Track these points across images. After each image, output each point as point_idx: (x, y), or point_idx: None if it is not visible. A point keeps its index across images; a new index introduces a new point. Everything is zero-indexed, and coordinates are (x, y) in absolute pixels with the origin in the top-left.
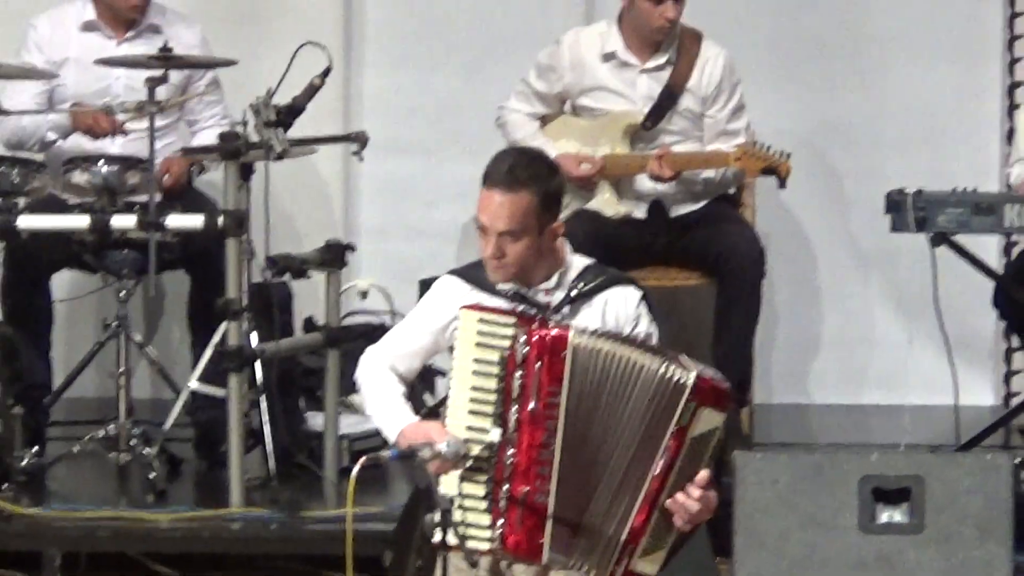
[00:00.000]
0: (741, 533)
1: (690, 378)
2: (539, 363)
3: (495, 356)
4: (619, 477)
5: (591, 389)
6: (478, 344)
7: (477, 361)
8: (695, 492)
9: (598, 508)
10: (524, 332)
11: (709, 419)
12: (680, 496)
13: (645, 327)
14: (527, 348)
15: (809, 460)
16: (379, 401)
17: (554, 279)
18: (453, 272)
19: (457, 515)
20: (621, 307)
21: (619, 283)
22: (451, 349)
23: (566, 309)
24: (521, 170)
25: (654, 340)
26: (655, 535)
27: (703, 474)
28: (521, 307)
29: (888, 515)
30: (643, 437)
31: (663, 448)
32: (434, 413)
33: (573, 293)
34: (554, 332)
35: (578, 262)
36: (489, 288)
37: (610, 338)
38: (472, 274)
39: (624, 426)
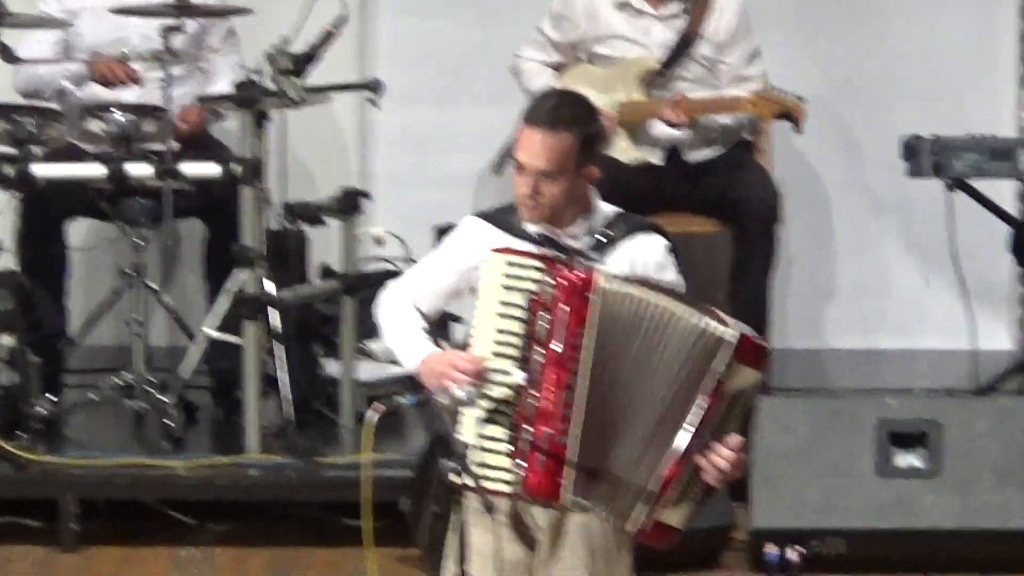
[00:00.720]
0: (758, 478)
1: (734, 334)
2: (565, 306)
3: (521, 299)
4: (651, 427)
5: (621, 333)
6: (505, 287)
7: (504, 304)
8: (725, 452)
9: (624, 455)
10: (551, 274)
11: (747, 377)
12: (712, 455)
13: (672, 277)
14: (554, 290)
15: (826, 405)
16: (399, 332)
17: (583, 224)
18: (479, 214)
19: (477, 457)
20: (648, 255)
21: (647, 230)
22: (473, 292)
23: (594, 255)
24: (564, 110)
25: (682, 290)
26: (683, 488)
27: (736, 438)
28: (551, 251)
29: (905, 459)
30: (680, 389)
31: (699, 402)
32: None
33: (602, 239)
34: (581, 274)
35: (606, 209)
36: (516, 231)
37: (640, 284)
38: (499, 217)
39: (659, 376)
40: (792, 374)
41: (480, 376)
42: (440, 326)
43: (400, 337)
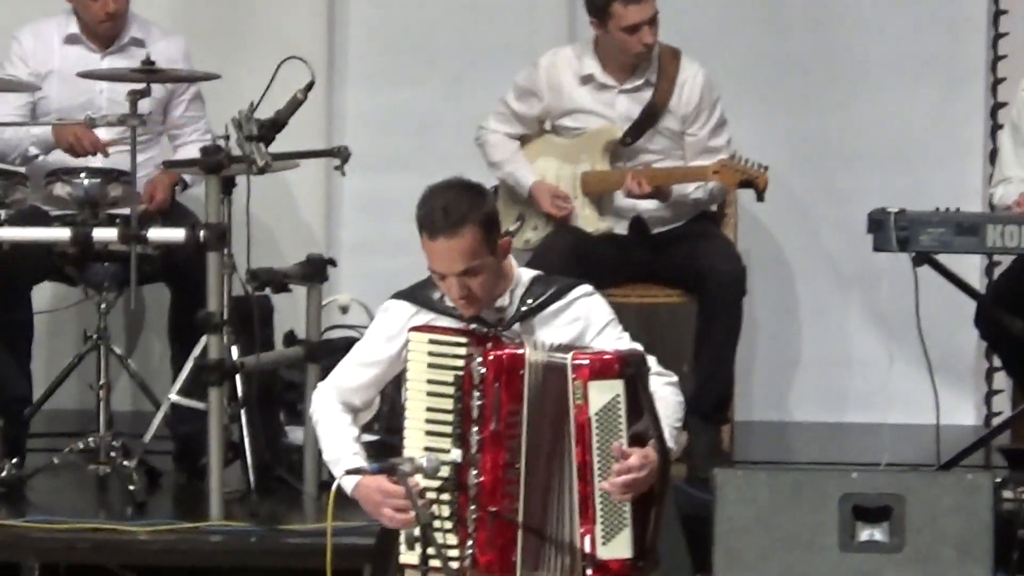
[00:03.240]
0: (721, 550)
1: (567, 357)
2: (497, 383)
3: (449, 376)
4: (556, 477)
5: (547, 400)
6: (431, 365)
7: (431, 382)
8: (613, 467)
9: (552, 515)
10: (479, 352)
11: (604, 390)
12: (604, 484)
13: (605, 317)
14: (484, 369)
15: (789, 478)
16: (332, 448)
17: (505, 296)
18: (398, 295)
19: (424, 536)
20: (578, 308)
21: (568, 289)
22: (404, 371)
23: (517, 326)
24: (454, 210)
25: (613, 325)
26: (606, 518)
27: (615, 445)
28: (473, 325)
29: (868, 534)
30: (554, 431)
31: (572, 433)
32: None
33: (523, 308)
34: (510, 351)
35: (526, 275)
36: (437, 307)
37: (565, 351)
38: (418, 294)
39: (553, 428)
40: (756, 446)
41: (414, 501)
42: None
43: (333, 453)
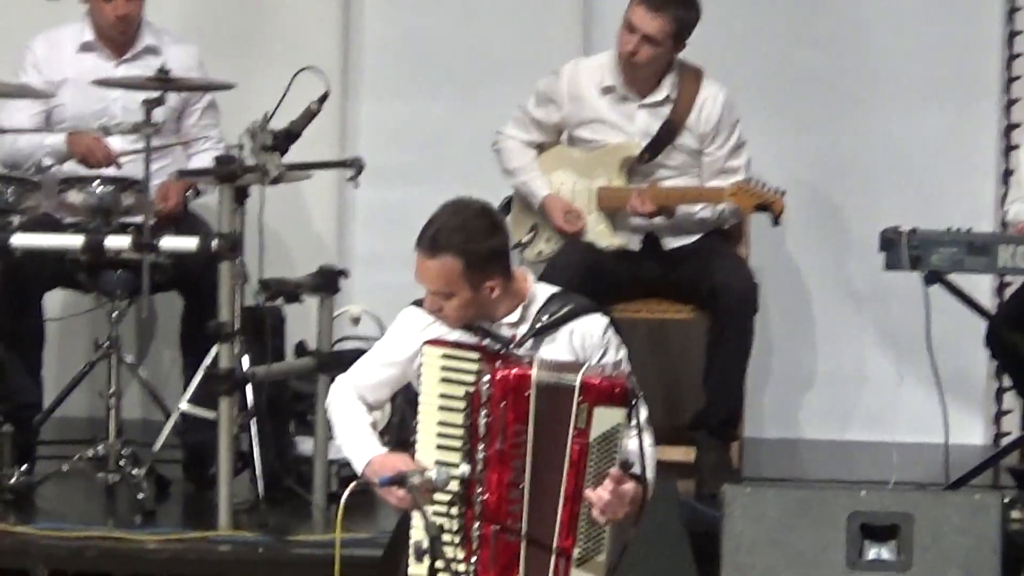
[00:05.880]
0: (728, 567)
1: (576, 380)
2: (503, 402)
3: (460, 391)
4: (553, 496)
5: (553, 420)
6: (443, 379)
7: (443, 396)
8: (607, 485)
9: (551, 534)
10: (488, 370)
11: (607, 417)
12: (595, 495)
13: (613, 354)
14: (491, 388)
15: (798, 496)
16: (347, 432)
17: (517, 312)
18: (417, 303)
19: (432, 551)
20: (588, 336)
21: (584, 312)
22: (419, 378)
23: (529, 343)
24: (445, 235)
25: (623, 365)
26: (585, 541)
27: (613, 469)
28: (486, 340)
29: (876, 552)
30: (557, 449)
31: (568, 454)
32: (405, 445)
33: (537, 326)
34: (516, 371)
35: (542, 292)
36: None
37: (573, 370)
38: None
39: (551, 448)
40: (765, 463)
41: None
42: (415, 405)
43: (348, 438)
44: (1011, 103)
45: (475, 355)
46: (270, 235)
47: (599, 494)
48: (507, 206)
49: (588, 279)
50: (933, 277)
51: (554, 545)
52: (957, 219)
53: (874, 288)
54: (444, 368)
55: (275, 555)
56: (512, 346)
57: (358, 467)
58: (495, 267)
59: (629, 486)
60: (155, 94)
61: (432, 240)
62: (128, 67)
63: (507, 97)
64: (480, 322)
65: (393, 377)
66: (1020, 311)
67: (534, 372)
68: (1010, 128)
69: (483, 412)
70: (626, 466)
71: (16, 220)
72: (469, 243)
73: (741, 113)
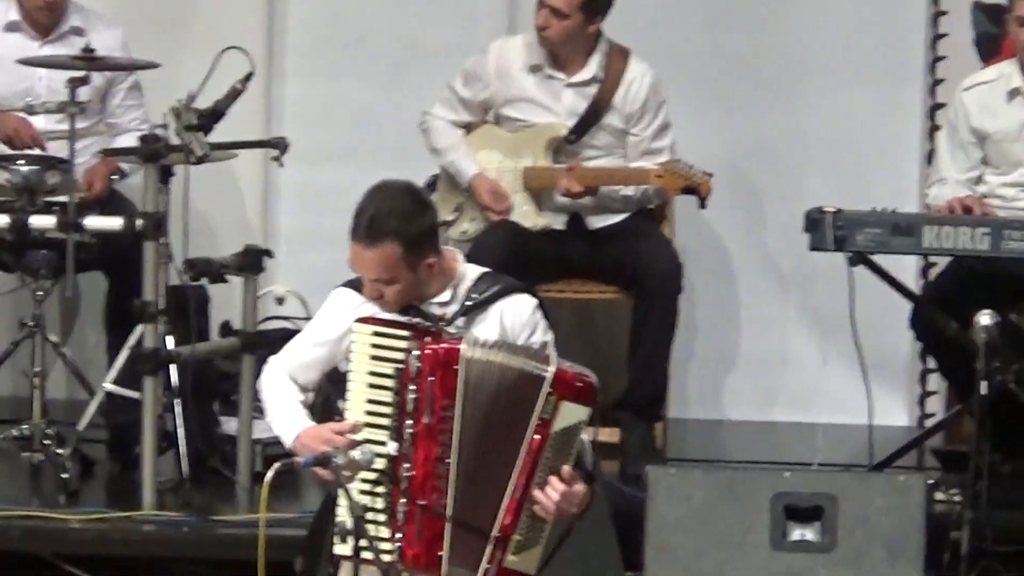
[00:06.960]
0: (652, 548)
1: (549, 371)
2: (432, 377)
3: (390, 369)
4: (493, 477)
5: (484, 399)
6: (373, 357)
7: (372, 374)
8: (558, 485)
9: (480, 513)
10: (417, 346)
11: (572, 413)
12: (545, 490)
13: (540, 334)
14: (420, 362)
15: (722, 477)
16: (277, 409)
17: (448, 292)
18: (347, 284)
19: (357, 528)
20: (516, 315)
21: (513, 291)
22: (348, 359)
23: (460, 321)
24: (380, 222)
25: (549, 347)
26: (526, 531)
27: (567, 470)
28: (416, 319)
29: (800, 533)
30: (510, 433)
31: (527, 442)
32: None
33: (467, 304)
34: (446, 345)
35: (472, 272)
36: None
37: (503, 349)
38: None
39: (503, 429)
40: (689, 444)
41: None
42: (339, 388)
43: (277, 414)
44: (935, 84)
45: (406, 332)
46: (195, 215)
47: (547, 493)
48: (432, 184)
49: (514, 259)
50: (858, 258)
51: (495, 532)
52: (882, 200)
53: (799, 269)
54: (375, 346)
55: (199, 535)
56: (442, 324)
57: (288, 442)
58: (430, 245)
59: (579, 487)
60: (80, 74)
61: (368, 229)
62: (53, 47)
63: (432, 77)
64: (411, 301)
65: (322, 357)
66: (945, 292)
67: (464, 347)
68: (935, 109)
69: (411, 387)
70: (580, 465)
71: None
72: (404, 226)
73: (667, 95)
